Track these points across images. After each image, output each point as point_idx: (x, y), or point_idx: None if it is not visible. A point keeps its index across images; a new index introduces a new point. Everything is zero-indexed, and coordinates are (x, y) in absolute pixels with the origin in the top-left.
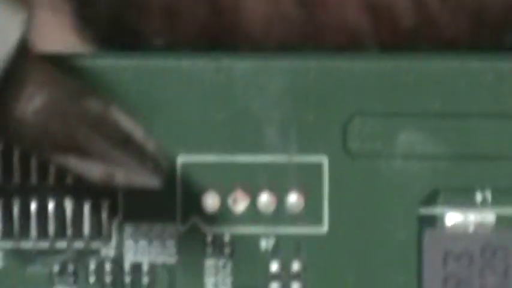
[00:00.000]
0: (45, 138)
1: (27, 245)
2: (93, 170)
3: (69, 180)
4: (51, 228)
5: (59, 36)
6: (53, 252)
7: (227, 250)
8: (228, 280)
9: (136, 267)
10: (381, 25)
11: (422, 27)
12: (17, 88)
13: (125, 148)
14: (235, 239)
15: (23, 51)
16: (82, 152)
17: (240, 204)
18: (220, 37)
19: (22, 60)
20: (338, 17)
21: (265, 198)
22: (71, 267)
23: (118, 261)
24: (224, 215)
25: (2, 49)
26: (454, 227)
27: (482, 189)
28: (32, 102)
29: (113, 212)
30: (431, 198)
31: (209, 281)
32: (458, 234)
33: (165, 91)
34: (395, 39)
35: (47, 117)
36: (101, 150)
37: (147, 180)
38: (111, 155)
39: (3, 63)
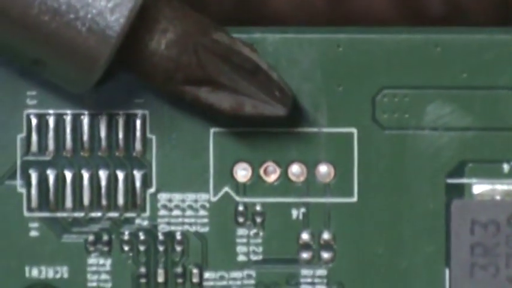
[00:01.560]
0: (178, 71)
1: (62, 215)
2: (224, 101)
3: (102, 151)
4: (86, 198)
5: None
6: (88, 222)
7: (258, 220)
8: (259, 249)
9: (170, 237)
10: (408, 13)
11: (451, 15)
12: (150, 24)
13: (253, 78)
14: (267, 209)
15: None
16: (213, 83)
17: (271, 174)
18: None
19: None
20: (364, 4)
21: (295, 169)
22: (105, 237)
23: (152, 231)
24: (256, 185)
25: None
26: (480, 196)
27: (509, 160)
28: (165, 37)
29: (146, 182)
30: (458, 169)
31: (240, 250)
32: (485, 203)
33: None
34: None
35: (180, 50)
36: (230, 81)
37: (274, 109)
38: (240, 85)
39: (138, 1)
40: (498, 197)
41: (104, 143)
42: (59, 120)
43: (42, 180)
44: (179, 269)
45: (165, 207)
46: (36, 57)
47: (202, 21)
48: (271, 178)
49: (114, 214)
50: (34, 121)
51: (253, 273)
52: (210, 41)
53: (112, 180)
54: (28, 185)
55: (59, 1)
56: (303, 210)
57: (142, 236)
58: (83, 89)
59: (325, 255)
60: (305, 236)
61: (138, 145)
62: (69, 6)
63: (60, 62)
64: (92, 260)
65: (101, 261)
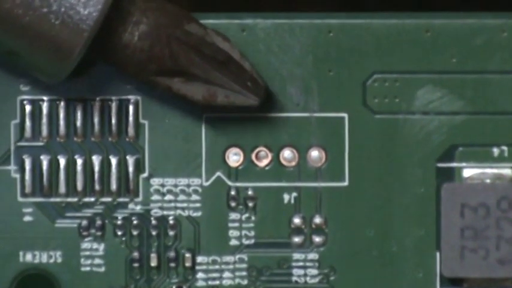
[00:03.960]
0: (151, 62)
1: (56, 200)
2: (196, 91)
3: (96, 137)
4: (80, 183)
5: None
6: (81, 207)
7: (250, 204)
8: (251, 233)
9: (163, 221)
10: None
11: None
12: (123, 15)
13: (225, 68)
14: (259, 193)
15: None
16: (185, 74)
17: (263, 159)
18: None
19: None
20: None
21: (287, 154)
22: (98, 222)
23: (144, 215)
24: (248, 170)
25: None
26: (470, 180)
27: (499, 143)
28: (138, 28)
29: (139, 167)
30: (449, 153)
31: (233, 234)
32: (475, 187)
33: None
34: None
35: (152, 41)
36: (202, 71)
37: (247, 98)
38: (212, 75)
39: None
40: (488, 181)
41: (97, 128)
42: (52, 106)
43: (36, 165)
44: (172, 253)
45: (157, 191)
46: (10, 49)
47: (176, 12)
48: (263, 163)
49: (107, 199)
50: (28, 107)
51: (245, 257)
52: (182, 33)
53: (105, 165)
54: (22, 170)
55: None
56: (294, 194)
57: (135, 221)
58: (57, 79)
59: (317, 239)
60: (297, 220)
61: (131, 130)
62: (42, 0)
63: (34, 54)
64: (85, 245)
65: (95, 245)
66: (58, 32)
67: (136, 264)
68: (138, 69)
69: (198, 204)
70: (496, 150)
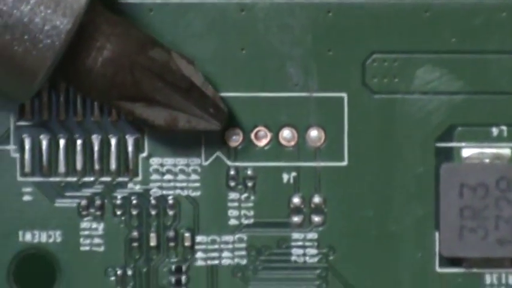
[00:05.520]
0: (113, 88)
1: (55, 179)
2: (158, 116)
3: (96, 116)
4: (79, 163)
5: None
6: (80, 186)
7: (250, 184)
8: (251, 213)
9: (162, 201)
10: None
11: None
12: (87, 41)
13: (188, 94)
14: (258, 173)
15: (93, 6)
16: (148, 99)
17: (262, 139)
18: None
19: (92, 15)
20: None
21: (286, 134)
22: (98, 201)
23: (144, 195)
24: (247, 149)
25: (76, 4)
26: (469, 160)
27: (498, 123)
28: (101, 54)
29: (138, 147)
30: (448, 133)
31: (232, 214)
32: (474, 167)
33: (190, 28)
34: None
35: (115, 68)
36: (165, 97)
37: (208, 123)
38: (174, 101)
39: (77, 18)
40: (487, 161)
41: (96, 108)
42: (52, 86)
43: (36, 145)
44: (171, 233)
45: (157, 171)
46: None
47: (140, 38)
48: (262, 142)
49: (106, 179)
50: None
51: (244, 236)
52: (146, 59)
53: (105, 145)
54: (21, 150)
55: None
56: (293, 174)
57: (134, 200)
58: (22, 100)
59: (316, 218)
60: (296, 199)
61: None
62: (5, 28)
63: None
64: (84, 224)
65: (94, 225)
66: (21, 59)
67: (135, 244)
68: (100, 94)
69: (197, 184)
70: (495, 130)
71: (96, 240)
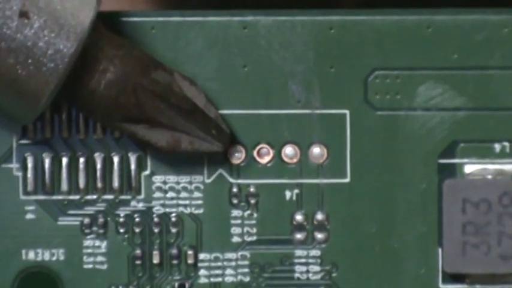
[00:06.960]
0: (116, 110)
1: (58, 197)
2: (161, 138)
3: (98, 134)
4: (82, 181)
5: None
6: (83, 204)
7: (252, 201)
8: (253, 230)
9: (165, 218)
10: None
11: None
12: (91, 63)
13: (190, 116)
14: (260, 190)
15: (96, 29)
16: (150, 121)
17: (264, 156)
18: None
19: (96, 37)
20: None
21: (289, 151)
22: (101, 219)
23: (147, 213)
24: (249, 167)
25: (79, 28)
26: (472, 176)
27: (500, 139)
28: (105, 77)
29: (141, 165)
30: (450, 149)
31: (235, 231)
32: (477, 183)
33: (192, 46)
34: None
35: (118, 90)
36: (168, 119)
37: (211, 145)
38: (177, 123)
39: (81, 42)
40: (490, 177)
41: (98, 126)
42: (54, 104)
43: (38, 163)
44: (174, 251)
45: (159, 189)
46: None
47: (143, 59)
48: (265, 160)
49: (109, 196)
50: None
51: (247, 254)
52: (149, 81)
53: (107, 162)
54: (24, 168)
55: None
56: (296, 191)
57: (137, 218)
58: (25, 122)
59: (319, 235)
60: (299, 216)
61: None
62: (9, 52)
63: (1, 102)
64: (87, 242)
65: (97, 243)
66: (24, 83)
67: (138, 262)
68: (103, 116)
69: (200, 201)
70: (497, 146)
71: (99, 258)
